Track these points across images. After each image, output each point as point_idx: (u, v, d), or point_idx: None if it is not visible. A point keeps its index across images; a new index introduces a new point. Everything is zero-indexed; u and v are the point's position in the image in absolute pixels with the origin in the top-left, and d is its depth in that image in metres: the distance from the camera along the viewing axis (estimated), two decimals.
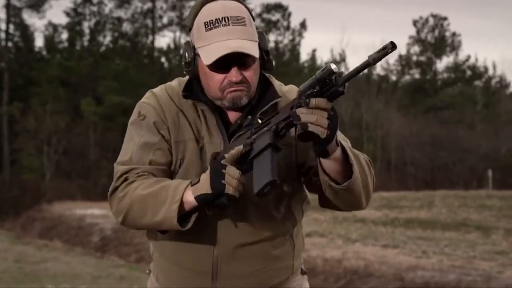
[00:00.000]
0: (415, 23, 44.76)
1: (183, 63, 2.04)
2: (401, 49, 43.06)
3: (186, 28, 2.06)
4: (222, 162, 1.85)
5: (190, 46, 2.01)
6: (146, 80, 35.48)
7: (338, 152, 1.85)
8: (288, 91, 2.09)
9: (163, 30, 38.91)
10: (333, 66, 1.71)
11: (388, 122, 37.38)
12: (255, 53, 1.94)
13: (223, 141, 2.00)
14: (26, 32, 37.48)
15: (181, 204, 1.88)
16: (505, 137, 38.75)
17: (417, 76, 44.75)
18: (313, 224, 14.25)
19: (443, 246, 11.29)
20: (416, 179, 35.21)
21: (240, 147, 1.86)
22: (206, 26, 1.95)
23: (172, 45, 39.22)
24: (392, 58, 44.21)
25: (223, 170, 1.84)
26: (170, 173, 2.03)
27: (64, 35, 38.31)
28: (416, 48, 44.76)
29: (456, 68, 44.54)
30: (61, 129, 31.50)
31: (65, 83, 34.80)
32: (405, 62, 44.59)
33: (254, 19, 2.04)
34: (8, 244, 14.74)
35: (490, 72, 46.82)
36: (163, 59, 40.08)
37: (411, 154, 36.35)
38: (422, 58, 44.54)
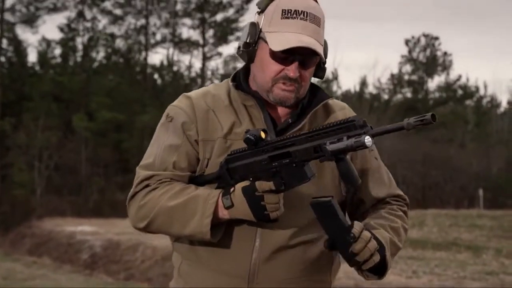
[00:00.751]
0: (407, 42, 44.93)
1: (240, 45, 1.99)
2: (393, 68, 43.20)
3: (257, 10, 2.02)
4: (257, 194, 1.82)
5: (256, 28, 1.97)
6: (139, 96, 35.47)
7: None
8: (338, 105, 2.12)
9: (156, 47, 38.94)
10: (367, 140, 1.70)
11: (380, 140, 37.36)
12: (320, 52, 1.94)
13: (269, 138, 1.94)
14: (19, 47, 37.42)
15: (213, 217, 1.88)
16: (495, 157, 38.82)
17: (409, 95, 44.87)
18: None
19: (434, 266, 11.23)
20: (408, 198, 35.17)
21: (271, 184, 1.82)
22: (283, 13, 1.93)
23: (165, 62, 39.24)
24: (384, 77, 44.43)
25: (262, 203, 1.82)
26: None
27: (57, 51, 38.28)
28: (408, 67, 44.95)
29: (447, 87, 44.71)
30: (52, 144, 31.37)
31: (58, 99, 34.72)
32: (397, 81, 44.72)
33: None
34: None
35: (481, 91, 47.09)
36: (156, 76, 40.07)
37: (403, 173, 36.35)
38: (414, 77, 44.69)
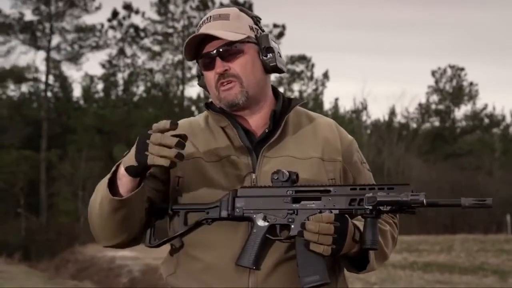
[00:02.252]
0: (433, 73, 44.73)
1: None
2: (421, 98, 42.90)
3: None
4: (147, 141, 1.70)
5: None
6: None
7: (355, 249, 1.80)
8: (319, 117, 2.03)
9: (192, 81, 39.32)
10: (424, 198, 1.68)
11: (408, 168, 37.07)
12: (230, 37, 1.87)
13: (249, 154, 1.88)
14: (64, 83, 38.10)
15: (115, 179, 1.79)
16: None
17: (436, 123, 44.53)
18: None
19: None
20: (436, 223, 34.72)
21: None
22: (196, 31, 1.94)
23: (202, 95, 39.59)
24: (412, 106, 44.19)
25: (147, 141, 1.70)
26: (161, 195, 1.91)
27: (100, 86, 38.94)
28: (435, 97, 44.68)
29: (474, 116, 44.27)
30: (95, 174, 31.64)
31: (100, 131, 35.18)
32: (425, 110, 44.44)
33: (258, 24, 1.97)
34: (40, 285, 14.72)
35: (508, 120, 46.49)
36: (193, 108, 40.41)
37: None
38: (441, 107, 44.37)
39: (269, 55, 1.92)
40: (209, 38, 1.89)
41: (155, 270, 15.45)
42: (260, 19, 2.01)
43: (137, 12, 38.23)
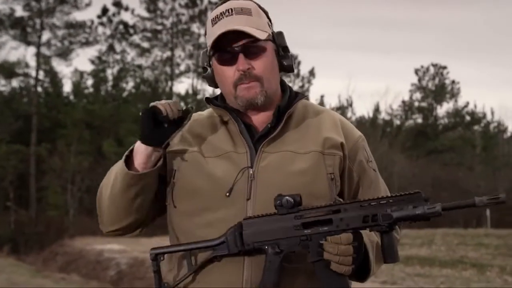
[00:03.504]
0: (416, 71, 44.88)
1: (202, 71, 1.92)
2: (405, 95, 43.03)
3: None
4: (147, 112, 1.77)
5: (205, 52, 1.89)
6: None
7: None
8: (324, 111, 1.94)
9: (181, 77, 39.22)
10: (440, 209, 1.62)
11: (391, 164, 37.18)
12: (258, 35, 1.79)
13: (248, 148, 1.82)
14: (54, 79, 37.86)
15: (131, 156, 1.82)
16: (502, 179, 38.44)
17: (419, 120, 44.69)
18: None
19: (440, 283, 11.09)
20: None
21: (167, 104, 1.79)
22: (212, 22, 1.84)
23: (190, 91, 39.47)
24: (395, 103, 44.31)
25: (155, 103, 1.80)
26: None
27: (90, 81, 38.70)
28: (418, 95, 44.84)
29: (455, 113, 44.47)
30: (84, 168, 31.56)
31: (89, 126, 35.00)
32: (408, 107, 44.60)
33: (270, 21, 1.91)
34: (27, 278, 14.65)
35: (489, 117, 46.70)
36: (181, 104, 40.27)
37: None
38: (424, 104, 44.54)
39: (287, 54, 1.88)
40: (232, 32, 1.79)
41: (143, 263, 15.41)
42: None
43: (126, 9, 38.07)
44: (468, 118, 44.75)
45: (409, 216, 1.63)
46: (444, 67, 44.51)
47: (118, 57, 38.12)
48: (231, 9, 1.83)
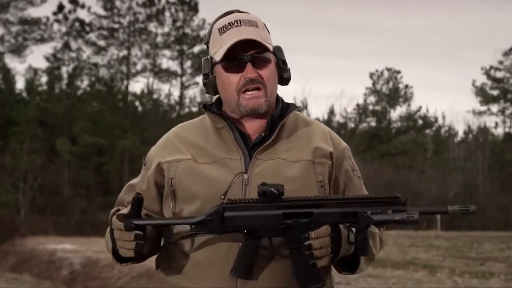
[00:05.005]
0: (371, 75, 45.40)
1: (203, 78, 1.96)
2: (359, 99, 43.48)
3: (205, 47, 2.00)
4: (113, 227, 1.76)
5: (208, 59, 1.94)
6: (120, 122, 35.32)
7: (352, 250, 1.83)
8: (314, 123, 2.03)
9: (137, 76, 38.99)
10: (418, 217, 1.72)
11: None
12: (267, 45, 1.88)
13: (242, 155, 1.88)
14: (7, 75, 37.19)
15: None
16: (452, 182, 39.17)
17: (373, 124, 45.22)
18: None
19: (392, 284, 11.24)
20: None
21: (121, 224, 1.75)
22: (220, 31, 1.90)
23: (145, 90, 39.22)
24: (350, 106, 44.74)
25: (113, 237, 1.77)
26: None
27: (44, 79, 38.16)
28: (372, 98, 45.37)
29: (408, 117, 45.12)
30: (37, 167, 31.10)
31: (43, 124, 34.49)
32: (362, 110, 45.09)
33: (269, 33, 1.99)
34: None
35: (440, 121, 47.55)
36: (136, 103, 39.98)
37: None
38: (378, 108, 45.08)
39: (286, 68, 1.96)
40: (241, 42, 1.86)
41: (96, 263, 15.26)
42: None
43: (83, 6, 37.63)
44: (420, 122, 45.46)
45: (388, 221, 1.73)
46: (398, 72, 45.17)
47: (73, 54, 37.70)
48: (240, 20, 1.90)
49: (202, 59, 1.97)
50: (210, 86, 1.95)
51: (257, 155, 1.89)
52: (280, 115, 1.96)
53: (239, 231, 1.77)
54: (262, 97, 1.88)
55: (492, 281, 11.35)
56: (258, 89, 1.88)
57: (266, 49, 1.89)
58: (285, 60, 1.97)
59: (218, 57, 1.89)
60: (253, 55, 1.87)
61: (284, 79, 1.97)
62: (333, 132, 2.04)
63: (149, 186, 1.97)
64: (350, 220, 1.74)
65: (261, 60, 1.89)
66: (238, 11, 1.98)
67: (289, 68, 1.97)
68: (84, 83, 38.58)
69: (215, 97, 2.01)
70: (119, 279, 13.63)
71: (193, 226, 1.80)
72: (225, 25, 1.91)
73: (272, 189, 1.74)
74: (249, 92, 1.87)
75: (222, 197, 1.83)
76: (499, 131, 46.61)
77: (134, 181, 2.02)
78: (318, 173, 1.90)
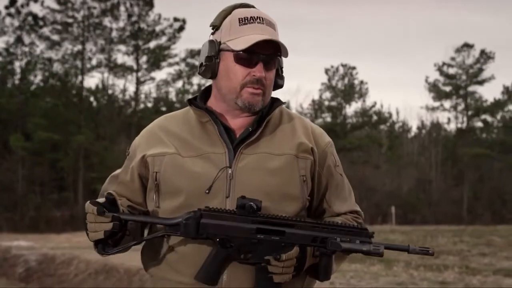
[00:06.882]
0: (327, 71, 45.70)
1: (202, 62, 1.96)
2: (315, 94, 43.70)
3: (212, 28, 2.00)
4: (86, 211, 1.79)
5: (215, 44, 1.93)
6: (74, 118, 34.84)
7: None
8: (297, 117, 2.06)
9: (92, 71, 38.44)
10: (383, 251, 1.85)
11: None
12: (285, 53, 1.93)
13: (227, 149, 1.91)
14: None
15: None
16: (406, 177, 39.72)
17: (328, 119, 45.53)
18: None
19: (349, 278, 11.38)
20: None
21: (94, 208, 1.78)
22: (240, 21, 1.92)
23: (100, 86, 38.76)
24: (306, 102, 44.99)
25: (85, 221, 1.80)
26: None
27: None
28: (327, 94, 45.67)
29: (363, 113, 45.57)
30: None
31: None
32: (318, 106, 45.38)
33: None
34: None
35: (394, 117, 48.19)
36: (91, 99, 39.48)
37: None
38: (333, 103, 45.41)
39: (283, 75, 2.03)
40: (265, 41, 1.89)
41: (52, 260, 15.06)
42: None
43: (36, 0, 36.95)
44: (375, 117, 45.97)
45: (355, 250, 1.83)
46: (353, 68, 45.56)
47: (26, 49, 36.95)
48: (262, 18, 1.94)
49: (207, 41, 1.97)
50: (210, 69, 1.95)
51: (242, 149, 1.91)
52: (267, 110, 1.99)
53: (212, 238, 1.81)
54: (261, 95, 1.92)
55: (447, 274, 11.60)
56: (260, 89, 1.92)
57: (279, 54, 1.93)
58: (282, 68, 2.02)
59: (235, 46, 1.90)
60: (267, 56, 1.91)
61: (277, 86, 2.02)
62: (317, 127, 2.08)
63: (133, 178, 1.99)
64: (319, 244, 1.81)
65: (271, 63, 1.94)
66: (254, 7, 2.00)
67: (283, 76, 2.03)
68: (37, 78, 37.95)
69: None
70: (76, 276, 13.49)
71: (167, 228, 1.83)
72: (247, 17, 1.93)
73: (252, 203, 1.79)
74: (252, 89, 1.90)
75: (207, 191, 1.86)
76: (452, 127, 47.58)
77: (117, 171, 2.04)
78: (301, 168, 1.94)
